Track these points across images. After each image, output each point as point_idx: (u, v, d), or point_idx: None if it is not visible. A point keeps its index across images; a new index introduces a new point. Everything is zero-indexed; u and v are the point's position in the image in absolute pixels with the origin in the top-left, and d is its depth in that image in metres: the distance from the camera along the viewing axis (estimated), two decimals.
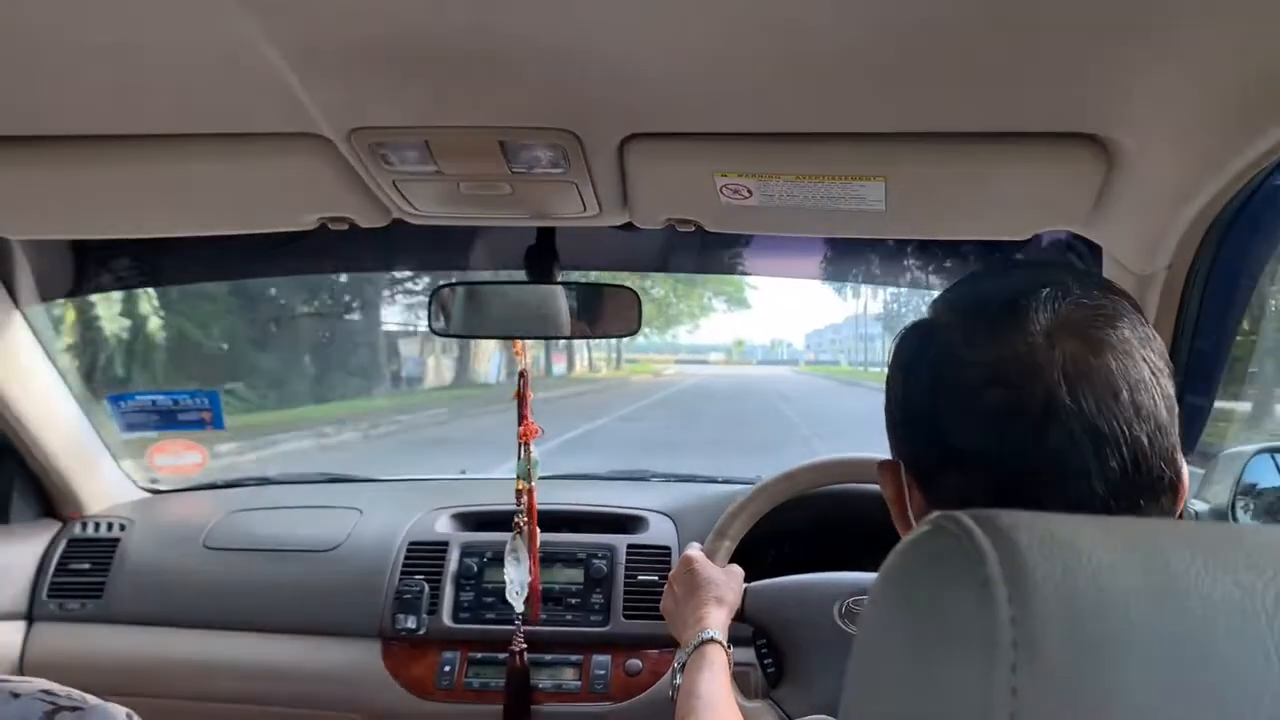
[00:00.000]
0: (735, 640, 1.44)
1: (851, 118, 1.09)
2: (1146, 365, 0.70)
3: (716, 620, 1.38)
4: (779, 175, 1.17)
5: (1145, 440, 0.68)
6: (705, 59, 0.95)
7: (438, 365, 20.75)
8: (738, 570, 1.51)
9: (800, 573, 1.62)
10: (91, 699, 0.77)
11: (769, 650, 1.54)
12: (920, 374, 0.77)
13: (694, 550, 1.52)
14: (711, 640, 1.33)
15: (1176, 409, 0.71)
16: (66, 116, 1.11)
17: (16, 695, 0.75)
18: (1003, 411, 0.70)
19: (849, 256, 1.79)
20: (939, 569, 0.40)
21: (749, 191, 1.21)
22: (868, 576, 1.57)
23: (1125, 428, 0.68)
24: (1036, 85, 0.98)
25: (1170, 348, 1.29)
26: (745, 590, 1.51)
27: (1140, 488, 0.68)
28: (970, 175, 1.17)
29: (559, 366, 31.43)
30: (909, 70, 0.95)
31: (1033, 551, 0.38)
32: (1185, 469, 0.73)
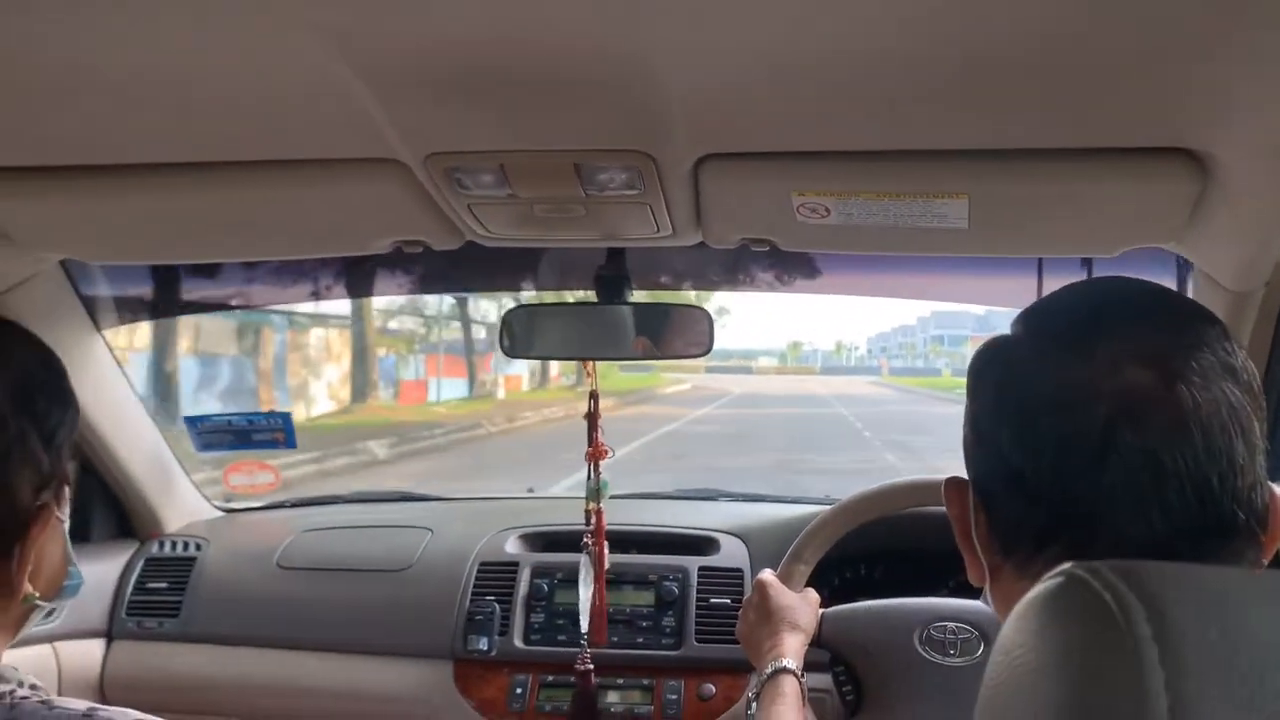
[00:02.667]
0: (811, 666, 1.42)
1: (933, 135, 1.06)
2: (1225, 399, 0.66)
3: (791, 648, 1.36)
4: (858, 193, 1.15)
5: (1215, 480, 0.64)
6: (782, 77, 0.93)
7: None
8: (814, 595, 1.49)
9: (869, 597, 1.59)
10: None
11: (847, 677, 1.51)
12: (988, 393, 0.76)
13: (768, 575, 1.50)
14: (785, 670, 1.31)
15: (1262, 445, 0.68)
16: (147, 145, 1.13)
17: None
18: (1062, 438, 0.68)
19: (925, 273, 1.76)
20: (1082, 627, 0.38)
21: (827, 210, 1.19)
22: (948, 603, 1.53)
23: (1190, 464, 0.64)
24: (1127, 100, 0.95)
25: (1266, 367, 1.25)
26: (822, 615, 1.48)
27: (1207, 529, 0.64)
28: (1057, 192, 1.14)
29: (452, 384, 23.81)
30: (993, 86, 0.93)
31: (1184, 609, 0.36)
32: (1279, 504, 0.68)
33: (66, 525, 0.94)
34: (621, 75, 0.92)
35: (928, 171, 1.11)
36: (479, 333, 24.60)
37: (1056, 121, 1.01)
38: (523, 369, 27.59)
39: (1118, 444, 0.65)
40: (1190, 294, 1.33)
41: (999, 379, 0.76)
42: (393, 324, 22.86)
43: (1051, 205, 1.17)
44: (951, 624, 1.48)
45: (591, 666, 1.70)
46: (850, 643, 1.50)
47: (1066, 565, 0.40)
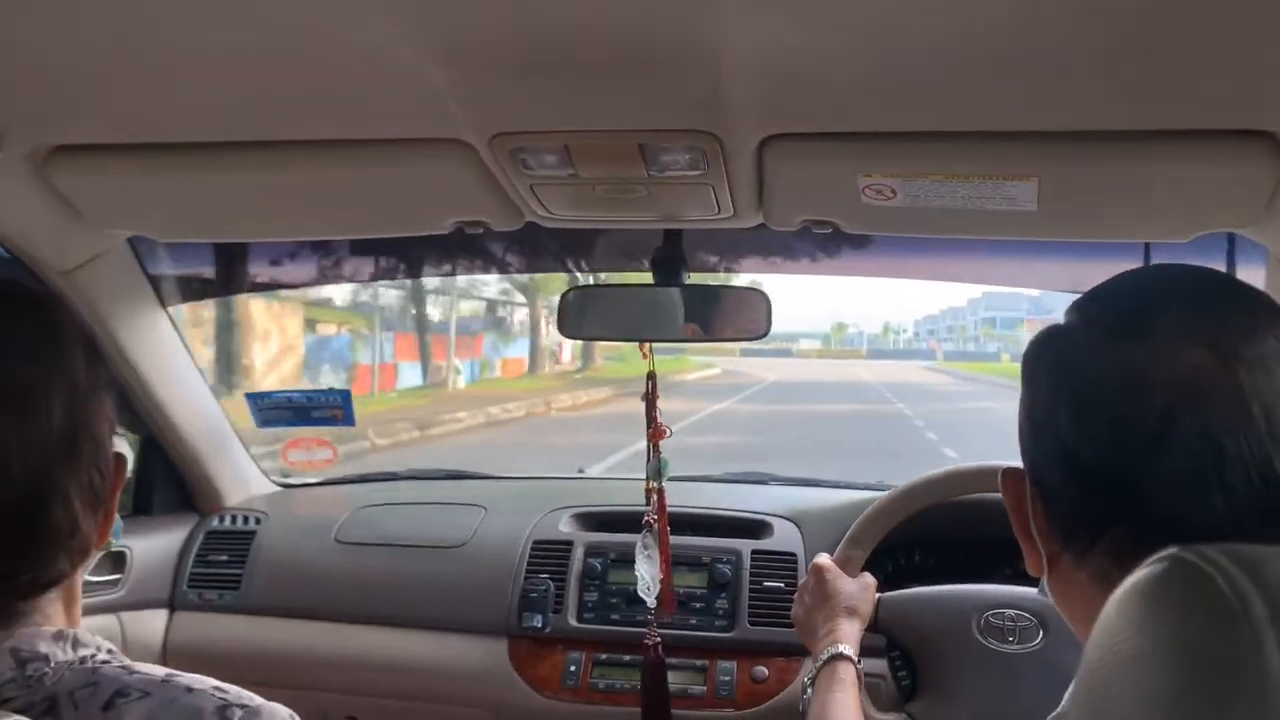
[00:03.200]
0: (866, 651, 1.42)
1: (1004, 115, 1.05)
2: None
3: (848, 633, 1.36)
4: (926, 175, 1.14)
5: (1278, 462, 0.64)
6: (852, 56, 0.92)
7: None
8: (870, 580, 1.48)
9: (924, 583, 1.58)
10: (258, 699, 0.80)
11: (903, 662, 1.50)
12: (1045, 380, 0.76)
13: (825, 559, 1.50)
14: (842, 656, 1.31)
15: None
16: (216, 122, 1.15)
17: (190, 690, 0.78)
18: (1120, 423, 0.68)
19: (980, 256, 1.73)
20: (1193, 612, 0.37)
21: (893, 192, 1.18)
22: (1006, 590, 1.52)
23: (1253, 447, 0.64)
24: (1205, 81, 0.93)
25: None
26: (879, 601, 1.48)
27: (1271, 512, 0.64)
28: (1130, 175, 1.12)
29: (409, 370, 20.34)
30: (1065, 66, 0.91)
31: None
32: None
33: None
34: (689, 55, 0.92)
35: (997, 153, 1.10)
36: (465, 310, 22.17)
37: (1132, 103, 0.99)
38: (524, 352, 25.76)
39: (1177, 428, 0.65)
40: (1264, 279, 1.30)
41: (1055, 366, 0.76)
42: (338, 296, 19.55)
43: (1124, 189, 1.15)
44: (1010, 611, 1.47)
45: (660, 640, 1.70)
46: (907, 628, 1.49)
47: (1171, 549, 0.40)
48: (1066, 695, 0.77)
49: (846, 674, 1.28)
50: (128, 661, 0.82)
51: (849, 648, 1.32)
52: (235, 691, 0.80)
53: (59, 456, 0.80)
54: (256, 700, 0.80)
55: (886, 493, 1.62)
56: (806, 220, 1.33)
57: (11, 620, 0.79)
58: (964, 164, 1.12)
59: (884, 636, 1.51)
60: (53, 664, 0.78)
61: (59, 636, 0.80)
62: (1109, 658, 0.39)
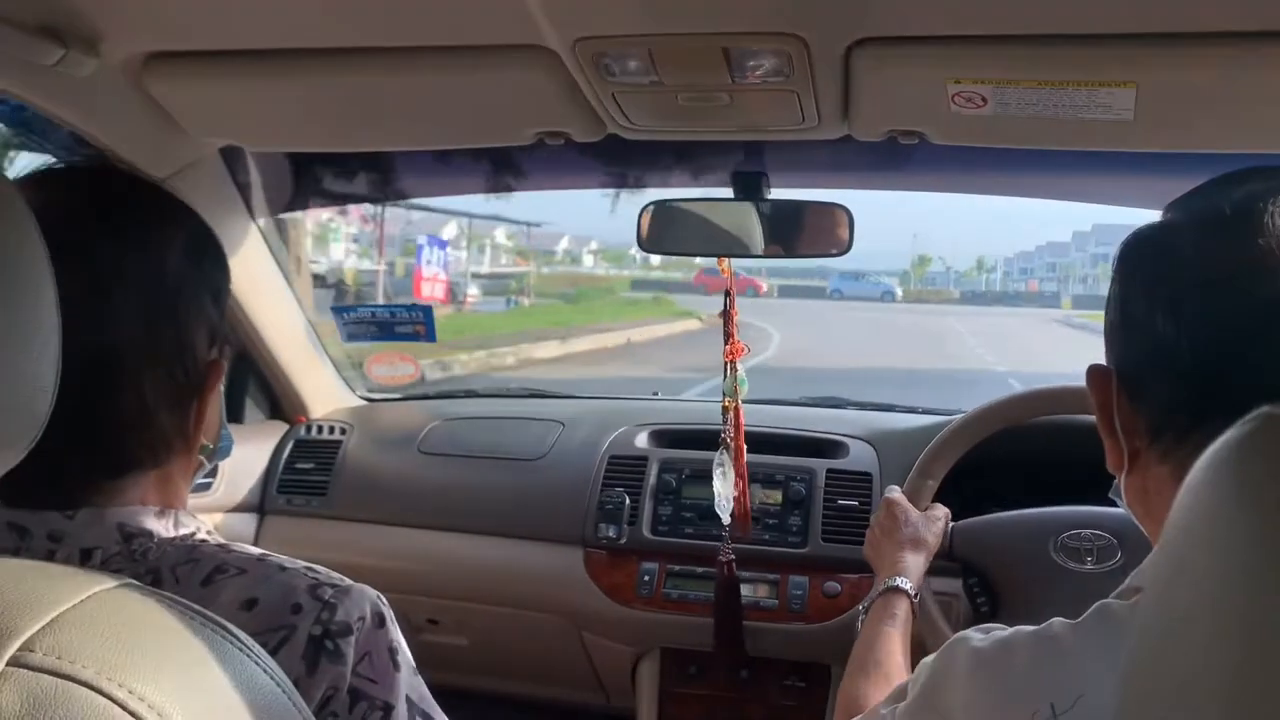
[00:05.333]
0: (942, 570, 1.42)
1: (1101, 16, 1.01)
2: None
3: (910, 567, 1.37)
4: (1018, 81, 1.10)
5: None
6: None
7: None
8: (941, 512, 1.48)
9: (1002, 507, 1.57)
10: (347, 580, 0.83)
11: (981, 588, 1.50)
12: (1142, 277, 0.78)
13: (894, 493, 1.51)
14: (897, 589, 1.32)
15: None
16: (305, 29, 1.16)
17: (284, 568, 0.82)
18: (1222, 318, 0.70)
19: (1079, 171, 1.68)
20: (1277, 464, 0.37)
21: (983, 100, 1.14)
22: (1083, 510, 1.50)
23: None
24: None
25: None
26: (952, 529, 1.48)
27: None
28: (1236, 80, 1.07)
29: None
30: None
31: None
32: None
33: (221, 388, 0.99)
34: None
35: (1094, 57, 1.06)
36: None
37: (1237, 1, 0.94)
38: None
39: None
40: None
41: (1155, 262, 0.77)
42: None
43: (1229, 96, 1.10)
44: (1087, 531, 1.46)
45: (734, 557, 1.73)
46: (983, 554, 1.49)
47: (1263, 408, 0.39)
48: (1146, 563, 0.77)
49: (900, 608, 1.30)
50: (225, 541, 0.86)
51: (907, 581, 1.33)
52: (325, 572, 0.84)
53: (135, 345, 0.81)
54: (346, 581, 0.83)
55: (953, 420, 1.61)
56: (893, 130, 1.30)
57: (99, 496, 0.81)
58: (1058, 69, 1.08)
59: (960, 564, 1.51)
60: (156, 540, 0.82)
61: (162, 514, 0.84)
62: (1189, 516, 0.39)
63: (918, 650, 1.16)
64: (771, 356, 14.64)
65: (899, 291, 36.27)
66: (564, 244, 42.62)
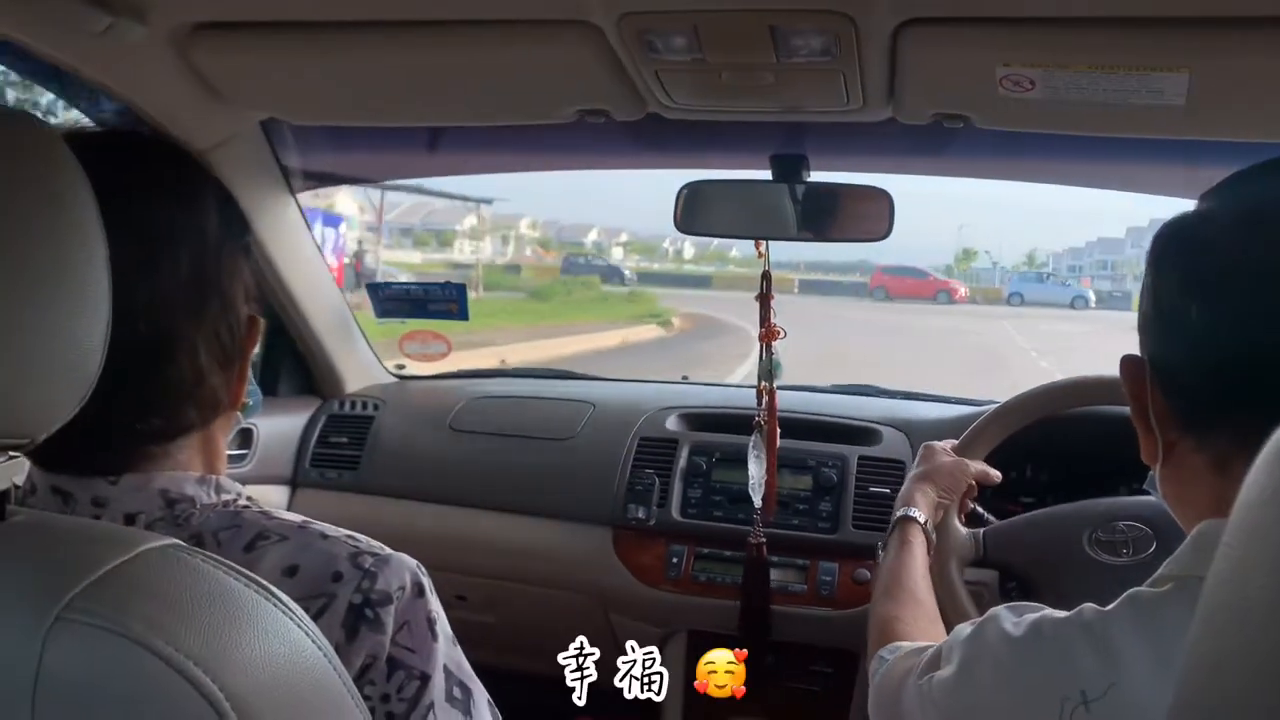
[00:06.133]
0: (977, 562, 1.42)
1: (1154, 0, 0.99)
2: None
3: (921, 498, 1.39)
4: (1067, 65, 1.09)
5: None
6: None
7: None
8: (968, 464, 1.46)
9: (1038, 496, 1.55)
10: (387, 550, 0.83)
11: (1020, 591, 1.49)
12: (1177, 267, 0.78)
13: (933, 443, 1.50)
14: (908, 518, 1.34)
15: None
16: (341, 2, 1.16)
17: (325, 536, 0.82)
18: (1258, 309, 0.70)
19: (1124, 158, 1.65)
20: None
21: (1032, 83, 1.13)
22: (1115, 501, 1.48)
23: None
24: None
25: None
26: (984, 534, 1.47)
27: None
28: None
29: None
30: None
31: None
32: None
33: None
34: None
35: (1147, 41, 1.04)
36: None
37: None
38: None
39: None
40: None
41: (1188, 252, 0.77)
42: None
43: None
44: (1121, 524, 1.44)
45: (764, 540, 1.73)
46: (1018, 554, 1.47)
47: None
48: (1177, 553, 0.77)
49: (914, 536, 1.32)
50: (266, 508, 0.87)
51: (915, 510, 1.35)
52: (366, 541, 0.84)
53: (185, 306, 0.81)
54: (386, 550, 0.83)
55: (988, 409, 1.59)
56: (938, 113, 1.28)
57: (146, 463, 0.82)
58: (1110, 53, 1.06)
59: (995, 570, 1.49)
60: (199, 505, 0.83)
61: (203, 481, 0.85)
62: (1261, 495, 0.38)
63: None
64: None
65: (1092, 297, 29.17)
66: (593, 235, 41.63)
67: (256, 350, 0.99)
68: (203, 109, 1.45)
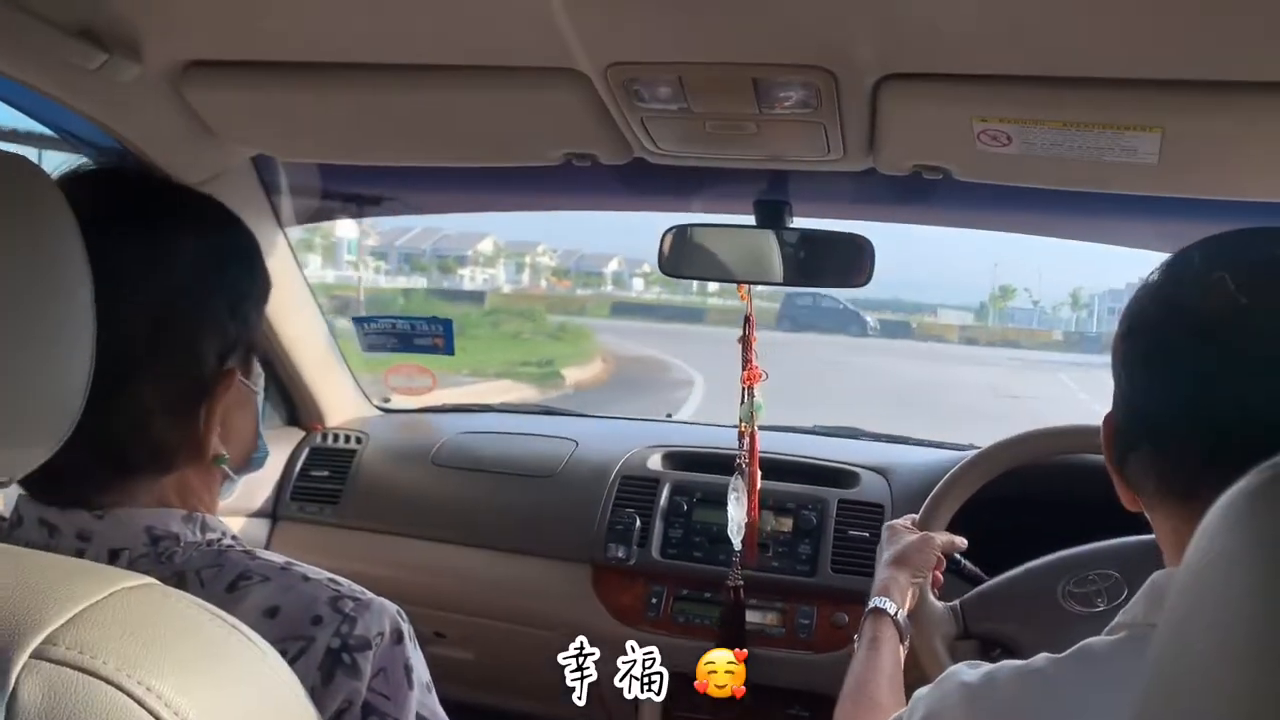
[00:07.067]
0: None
1: (1129, 61, 1.01)
2: None
3: (893, 586, 1.38)
4: (1043, 122, 1.11)
5: None
6: None
7: None
8: (933, 537, 1.47)
9: (1009, 543, 1.55)
10: (369, 594, 0.83)
11: (1004, 655, 1.49)
12: (1140, 331, 0.80)
13: (895, 522, 1.52)
14: (878, 610, 1.34)
15: None
16: (341, 43, 1.18)
17: (307, 579, 0.82)
18: (1218, 370, 0.72)
19: (1102, 213, 1.68)
20: None
21: (1008, 139, 1.15)
22: (1084, 550, 1.48)
23: None
24: None
25: None
26: (960, 606, 1.48)
27: None
28: (1262, 129, 1.07)
29: None
30: (1193, 9, 0.88)
31: None
32: None
33: (260, 398, 0.99)
34: None
35: (1120, 101, 1.07)
36: None
37: (1267, 51, 0.95)
38: None
39: None
40: None
41: (1152, 316, 0.80)
42: None
43: (1256, 145, 1.11)
44: (1091, 573, 1.44)
45: (742, 583, 1.73)
46: (996, 622, 1.47)
47: (1277, 459, 0.40)
48: (1130, 603, 0.79)
49: (883, 631, 1.31)
50: (250, 548, 0.87)
51: (886, 601, 1.35)
52: (348, 585, 0.84)
53: (137, 348, 0.80)
54: (367, 594, 0.84)
55: (959, 463, 1.59)
56: (917, 165, 1.31)
57: (128, 498, 0.82)
58: (1084, 111, 1.09)
59: (977, 641, 1.49)
60: (182, 543, 0.83)
61: (189, 519, 0.85)
62: (1202, 559, 0.39)
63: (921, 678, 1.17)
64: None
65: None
66: (613, 265, 39.43)
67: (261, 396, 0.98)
68: (195, 145, 1.46)
